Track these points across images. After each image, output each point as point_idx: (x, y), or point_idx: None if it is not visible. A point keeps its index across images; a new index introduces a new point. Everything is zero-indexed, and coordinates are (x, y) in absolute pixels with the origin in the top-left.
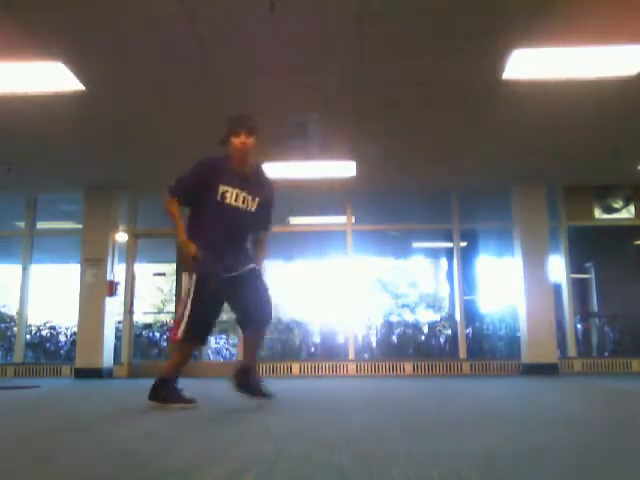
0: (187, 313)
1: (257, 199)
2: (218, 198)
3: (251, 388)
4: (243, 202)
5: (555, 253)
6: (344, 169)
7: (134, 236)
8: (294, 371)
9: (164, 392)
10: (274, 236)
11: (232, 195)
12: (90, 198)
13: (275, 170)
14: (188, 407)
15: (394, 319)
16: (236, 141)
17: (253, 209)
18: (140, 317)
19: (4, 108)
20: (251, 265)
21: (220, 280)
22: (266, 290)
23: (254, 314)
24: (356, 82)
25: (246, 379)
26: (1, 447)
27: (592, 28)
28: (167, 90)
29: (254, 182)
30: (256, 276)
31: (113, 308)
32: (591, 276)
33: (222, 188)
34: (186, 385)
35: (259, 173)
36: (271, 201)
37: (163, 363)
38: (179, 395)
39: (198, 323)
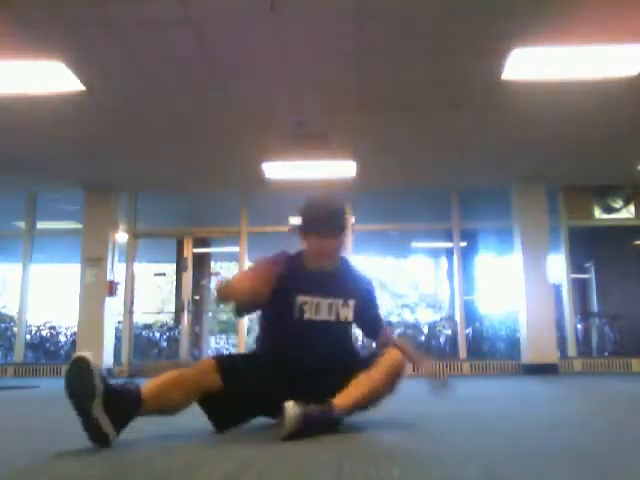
0: None
1: (351, 302)
2: (295, 314)
3: None
4: (329, 312)
5: (555, 253)
6: (344, 169)
7: (134, 236)
8: None
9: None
10: (274, 236)
11: (312, 308)
12: (90, 198)
13: (275, 170)
14: None
15: (394, 319)
16: (316, 244)
17: (350, 316)
18: (140, 317)
19: (4, 108)
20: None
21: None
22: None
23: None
24: (356, 82)
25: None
26: (1, 447)
27: (592, 27)
28: (167, 89)
29: (342, 281)
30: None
31: (113, 308)
32: (591, 276)
33: (300, 300)
34: None
35: (346, 269)
36: (372, 300)
37: (163, 363)
38: None
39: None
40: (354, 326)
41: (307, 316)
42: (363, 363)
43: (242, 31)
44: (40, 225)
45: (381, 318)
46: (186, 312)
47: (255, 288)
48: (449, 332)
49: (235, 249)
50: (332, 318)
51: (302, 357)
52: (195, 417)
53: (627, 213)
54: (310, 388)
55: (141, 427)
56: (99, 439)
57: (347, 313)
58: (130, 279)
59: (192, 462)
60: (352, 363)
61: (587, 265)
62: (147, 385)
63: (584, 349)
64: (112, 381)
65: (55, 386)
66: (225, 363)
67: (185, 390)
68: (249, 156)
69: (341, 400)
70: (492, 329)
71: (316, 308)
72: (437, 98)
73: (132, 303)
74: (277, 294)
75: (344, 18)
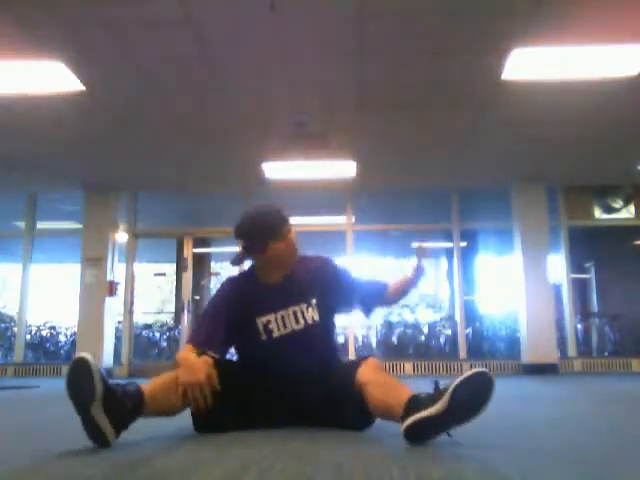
0: None
1: (313, 300)
2: (263, 337)
3: None
4: (296, 320)
5: (555, 253)
6: (344, 169)
7: (134, 236)
8: None
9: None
10: None
11: (278, 324)
12: (90, 198)
13: (275, 170)
14: None
15: (394, 319)
16: (260, 259)
17: (316, 316)
18: (140, 317)
19: (4, 108)
20: None
21: None
22: None
23: None
24: (356, 82)
25: None
26: (1, 447)
27: (592, 27)
28: (167, 90)
29: (297, 284)
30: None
31: (113, 308)
32: (591, 276)
33: (262, 321)
34: None
35: (298, 267)
36: (340, 278)
37: (163, 363)
38: None
39: None
40: (353, 311)
41: (275, 334)
42: (346, 369)
43: (242, 31)
44: (40, 225)
45: (370, 283)
46: (186, 312)
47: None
48: (449, 332)
49: (235, 249)
50: (301, 326)
51: (284, 374)
52: None
53: (627, 213)
54: (299, 399)
55: (141, 427)
56: (98, 439)
57: (313, 314)
58: (130, 279)
59: (192, 462)
60: (335, 366)
61: (587, 265)
62: (147, 387)
63: (584, 349)
64: (113, 382)
65: (55, 386)
66: (223, 363)
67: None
68: (249, 156)
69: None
70: (492, 329)
71: (282, 322)
72: (437, 98)
73: (132, 303)
74: (238, 323)
75: (344, 18)
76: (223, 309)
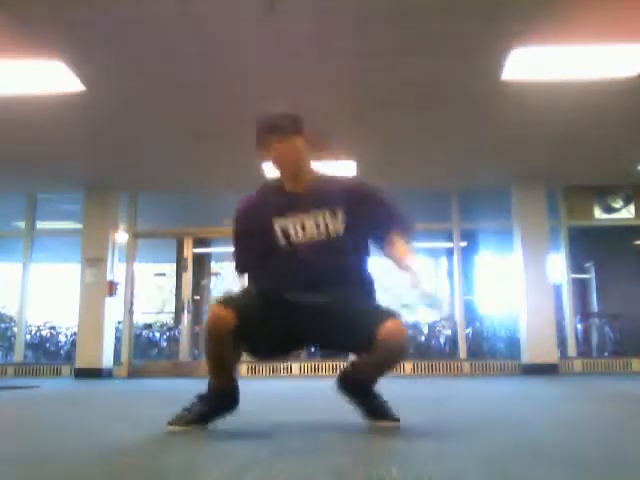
0: None
1: (340, 213)
2: (281, 242)
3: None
4: (317, 228)
5: (555, 253)
6: (344, 169)
7: (134, 236)
8: (294, 371)
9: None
10: None
11: (297, 229)
12: (90, 198)
13: (275, 171)
14: None
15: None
16: (272, 151)
17: (341, 229)
18: (140, 317)
19: (4, 108)
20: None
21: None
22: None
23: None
24: (356, 82)
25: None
26: (1, 447)
27: (592, 27)
28: (167, 89)
29: (324, 193)
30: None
31: (113, 308)
32: (591, 276)
33: (280, 225)
34: (186, 385)
35: (326, 179)
36: (372, 203)
37: (163, 363)
38: None
39: None
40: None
41: (294, 240)
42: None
43: (242, 31)
44: (40, 225)
45: (396, 216)
46: (186, 312)
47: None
48: (449, 332)
49: None
50: (322, 236)
51: (302, 292)
52: None
53: (627, 213)
54: (317, 325)
55: (141, 427)
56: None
57: (337, 226)
58: (130, 279)
59: (192, 462)
60: (363, 304)
61: (587, 265)
62: (218, 380)
63: (584, 349)
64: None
65: (55, 386)
66: (242, 312)
67: (230, 345)
68: (249, 156)
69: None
70: (492, 329)
71: (302, 228)
72: (437, 98)
73: (132, 303)
74: (255, 231)
75: (344, 18)
76: (240, 230)
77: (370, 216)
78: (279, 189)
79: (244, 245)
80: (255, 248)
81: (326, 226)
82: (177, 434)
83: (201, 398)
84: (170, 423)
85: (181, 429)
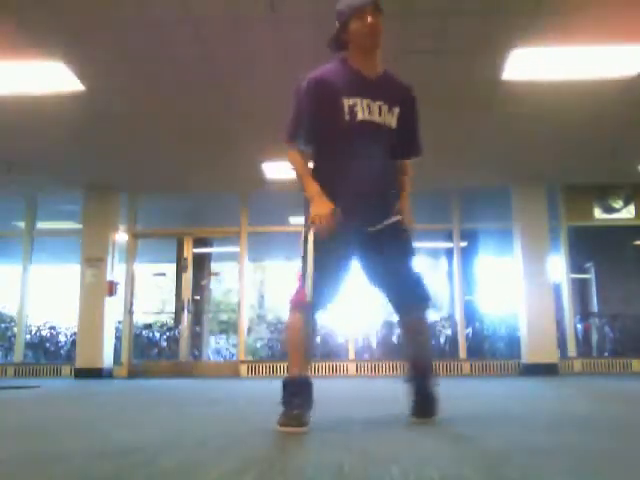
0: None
1: (396, 109)
2: (346, 117)
3: (421, 403)
4: (380, 114)
5: (555, 253)
6: None
7: (134, 236)
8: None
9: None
10: (274, 236)
11: (363, 108)
12: (90, 198)
13: (275, 170)
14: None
15: (394, 319)
16: (361, 24)
17: (394, 124)
18: (140, 317)
19: (4, 108)
20: (396, 217)
21: (348, 238)
22: (412, 255)
23: (411, 293)
24: None
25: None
26: (1, 447)
27: (592, 27)
28: (167, 89)
29: (389, 85)
30: (402, 235)
31: (113, 308)
32: (591, 276)
33: (348, 102)
34: (186, 385)
35: (390, 74)
36: (415, 112)
37: (163, 363)
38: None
39: (322, 286)
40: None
41: (359, 117)
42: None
43: (242, 31)
44: (40, 225)
45: (420, 141)
46: (186, 312)
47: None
48: (449, 332)
49: (235, 249)
50: (382, 120)
51: (363, 167)
52: (194, 419)
53: (627, 213)
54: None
55: (142, 427)
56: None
57: (391, 120)
58: (130, 279)
59: (192, 462)
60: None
61: (587, 265)
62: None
63: (584, 349)
64: None
65: (55, 386)
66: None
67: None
68: (249, 156)
69: None
70: (492, 329)
71: (367, 109)
72: (437, 98)
73: (132, 303)
74: (323, 103)
75: None
76: (308, 100)
77: (407, 124)
78: (352, 69)
79: (311, 115)
80: (321, 119)
81: (385, 115)
82: (176, 435)
83: (293, 393)
84: (283, 424)
85: (302, 430)
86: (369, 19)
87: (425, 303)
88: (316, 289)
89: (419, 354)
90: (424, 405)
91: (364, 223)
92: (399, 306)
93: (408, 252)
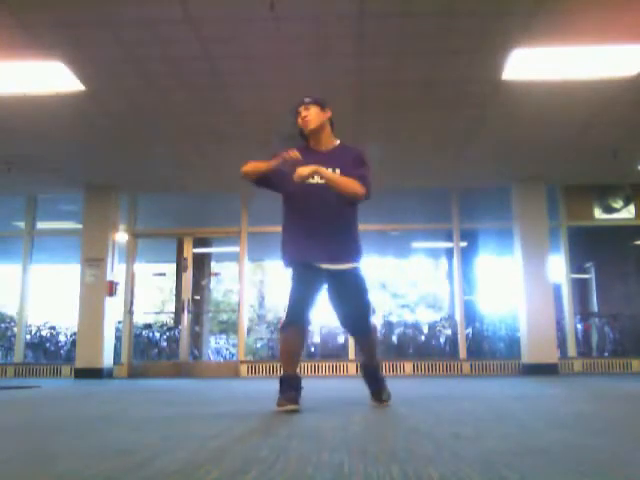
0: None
1: (337, 170)
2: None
3: (370, 388)
4: (322, 178)
5: (555, 253)
6: None
7: (134, 236)
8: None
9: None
10: (274, 236)
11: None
12: (90, 198)
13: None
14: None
15: (394, 319)
16: (299, 120)
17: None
18: (140, 317)
19: (4, 108)
20: (352, 264)
21: (313, 271)
22: (363, 297)
23: (351, 325)
24: (356, 82)
25: (366, 376)
26: (1, 447)
27: (592, 27)
28: (167, 89)
29: (336, 156)
30: (355, 279)
31: (113, 308)
32: (591, 276)
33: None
34: (186, 385)
35: (343, 147)
36: (358, 160)
37: (163, 363)
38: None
39: (292, 309)
40: None
41: (311, 181)
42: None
43: (242, 31)
44: (40, 225)
45: (363, 175)
46: (186, 312)
47: (269, 166)
48: (449, 332)
49: (235, 249)
50: (322, 181)
51: (315, 215)
52: (195, 419)
53: (627, 213)
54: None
55: (142, 427)
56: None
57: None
58: (130, 279)
59: (192, 462)
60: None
61: (587, 265)
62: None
63: (584, 349)
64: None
65: (55, 386)
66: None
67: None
68: (249, 156)
69: None
70: (492, 329)
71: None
72: (437, 98)
73: (132, 303)
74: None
75: (344, 18)
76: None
77: (349, 175)
78: (308, 147)
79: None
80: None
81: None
82: (176, 435)
83: (289, 384)
84: (281, 404)
85: (294, 407)
86: (302, 114)
87: (363, 334)
88: (293, 308)
89: (365, 359)
90: (376, 394)
91: (321, 260)
92: (345, 328)
93: (359, 292)
